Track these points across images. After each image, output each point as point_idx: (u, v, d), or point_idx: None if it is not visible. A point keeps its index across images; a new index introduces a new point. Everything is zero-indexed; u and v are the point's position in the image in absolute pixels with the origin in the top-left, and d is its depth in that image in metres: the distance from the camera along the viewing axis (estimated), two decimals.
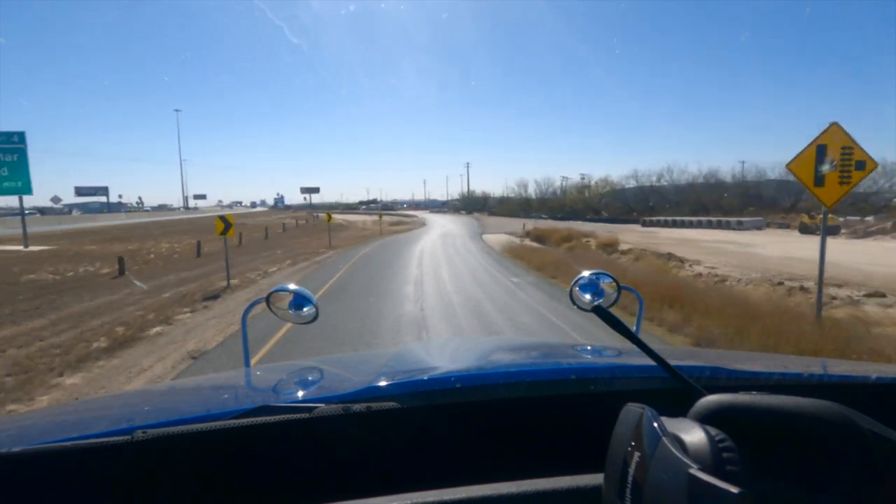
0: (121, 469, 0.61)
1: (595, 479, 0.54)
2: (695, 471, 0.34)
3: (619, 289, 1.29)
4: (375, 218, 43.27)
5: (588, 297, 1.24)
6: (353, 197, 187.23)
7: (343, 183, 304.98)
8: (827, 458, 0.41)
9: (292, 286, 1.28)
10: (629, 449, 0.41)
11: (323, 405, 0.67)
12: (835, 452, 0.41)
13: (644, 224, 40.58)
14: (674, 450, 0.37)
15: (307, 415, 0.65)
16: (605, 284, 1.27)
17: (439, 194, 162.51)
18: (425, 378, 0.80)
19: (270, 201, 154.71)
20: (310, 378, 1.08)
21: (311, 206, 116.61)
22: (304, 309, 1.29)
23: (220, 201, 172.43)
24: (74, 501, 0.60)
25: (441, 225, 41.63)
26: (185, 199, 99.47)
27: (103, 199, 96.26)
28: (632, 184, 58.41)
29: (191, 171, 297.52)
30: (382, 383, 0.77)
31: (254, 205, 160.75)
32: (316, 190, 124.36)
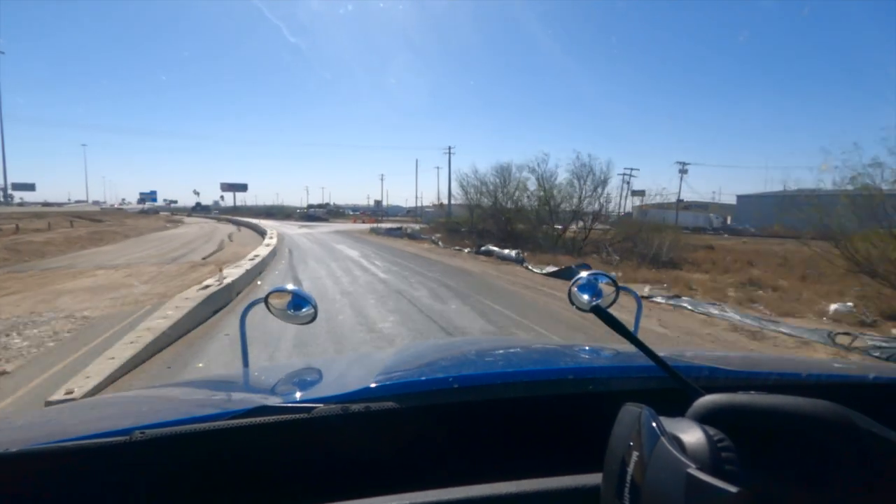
0: (119, 470, 0.60)
1: (594, 478, 0.54)
2: (693, 470, 0.34)
3: (618, 289, 1.29)
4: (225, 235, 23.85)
5: (586, 297, 1.23)
6: (292, 199, 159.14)
7: (283, 184, 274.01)
8: (825, 457, 0.41)
9: (290, 286, 1.32)
10: (628, 448, 0.41)
11: (322, 405, 0.67)
12: (833, 452, 0.41)
13: None
14: (672, 449, 0.37)
15: (306, 415, 0.65)
16: (604, 285, 1.26)
17: (403, 199, 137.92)
18: (423, 378, 0.80)
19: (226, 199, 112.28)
20: (308, 378, 1.07)
21: (235, 209, 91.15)
22: (303, 309, 1.31)
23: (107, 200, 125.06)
24: (72, 503, 0.59)
25: None
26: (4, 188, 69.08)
27: None
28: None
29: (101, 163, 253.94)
30: (381, 384, 0.77)
31: (123, 202, 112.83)
32: (242, 187, 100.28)
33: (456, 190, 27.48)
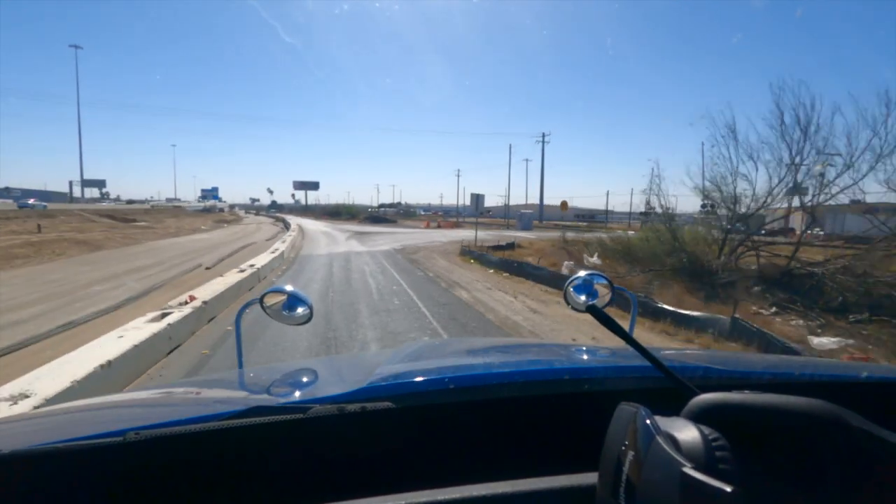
0: (113, 471, 0.60)
1: (590, 478, 0.54)
2: (688, 469, 0.34)
3: (614, 290, 1.27)
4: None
5: (583, 297, 1.21)
6: (363, 197, 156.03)
7: (354, 182, 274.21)
8: (818, 455, 0.41)
9: (289, 287, 1.31)
10: (623, 448, 0.41)
11: (317, 406, 0.66)
12: (826, 450, 0.41)
13: None
14: (667, 448, 0.37)
15: (301, 415, 0.63)
16: (599, 285, 1.24)
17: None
18: (419, 379, 0.79)
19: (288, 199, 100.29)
20: (304, 379, 1.06)
21: (306, 207, 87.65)
22: (299, 310, 1.29)
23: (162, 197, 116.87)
24: (66, 503, 0.59)
25: None
26: (73, 184, 67.92)
27: None
28: None
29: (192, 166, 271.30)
30: (377, 384, 0.76)
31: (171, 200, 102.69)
32: (314, 185, 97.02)
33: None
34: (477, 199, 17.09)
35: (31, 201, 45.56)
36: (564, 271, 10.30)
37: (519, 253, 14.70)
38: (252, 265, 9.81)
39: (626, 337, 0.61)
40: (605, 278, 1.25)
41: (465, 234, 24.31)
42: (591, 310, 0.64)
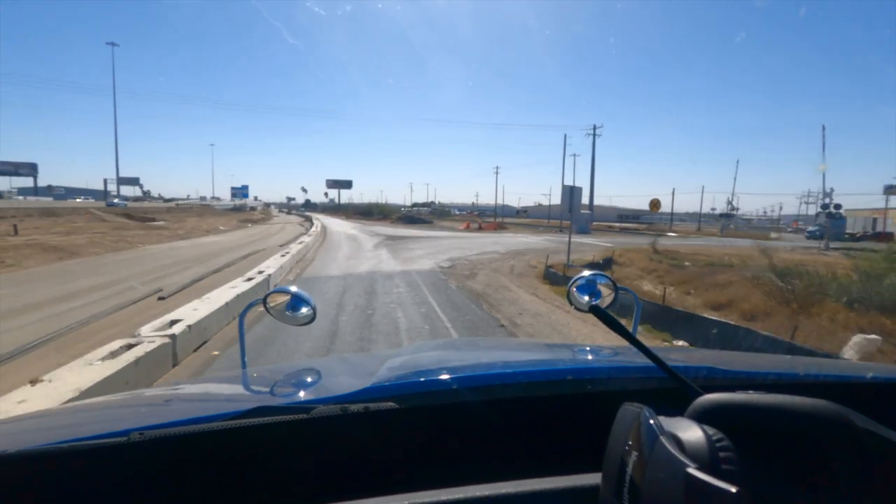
0: (117, 471, 0.60)
1: (593, 478, 0.53)
2: (692, 470, 0.34)
3: (617, 290, 1.28)
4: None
5: (586, 297, 1.22)
6: (396, 196, 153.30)
7: (388, 181, 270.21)
8: (823, 456, 0.41)
9: (293, 288, 1.30)
10: (627, 448, 0.41)
11: (321, 406, 0.66)
12: (831, 451, 0.41)
13: None
14: (671, 449, 0.37)
15: (305, 415, 0.63)
16: (602, 285, 1.25)
17: (515, 197, 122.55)
18: (422, 379, 0.79)
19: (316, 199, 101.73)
20: (307, 379, 1.06)
21: (339, 207, 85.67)
22: (302, 310, 1.29)
23: (203, 196, 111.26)
24: (70, 503, 0.59)
25: None
26: (108, 181, 67.59)
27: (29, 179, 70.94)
28: None
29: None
30: (380, 384, 0.76)
31: (203, 199, 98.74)
32: (347, 184, 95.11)
33: None
34: (571, 192, 11.61)
35: (115, 200, 49.66)
36: (848, 352, 4.74)
37: (624, 275, 9.94)
38: (174, 322, 4.76)
39: (630, 337, 0.61)
40: (608, 278, 1.25)
41: (522, 241, 19.73)
42: (594, 310, 0.63)
